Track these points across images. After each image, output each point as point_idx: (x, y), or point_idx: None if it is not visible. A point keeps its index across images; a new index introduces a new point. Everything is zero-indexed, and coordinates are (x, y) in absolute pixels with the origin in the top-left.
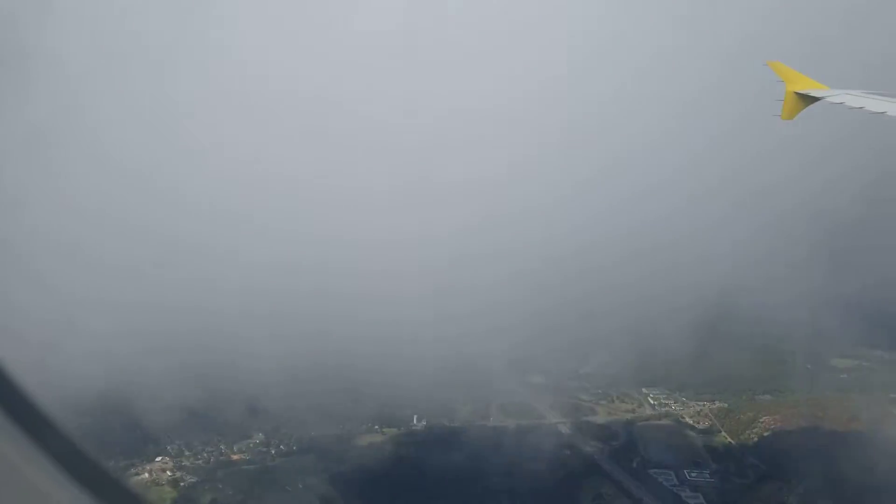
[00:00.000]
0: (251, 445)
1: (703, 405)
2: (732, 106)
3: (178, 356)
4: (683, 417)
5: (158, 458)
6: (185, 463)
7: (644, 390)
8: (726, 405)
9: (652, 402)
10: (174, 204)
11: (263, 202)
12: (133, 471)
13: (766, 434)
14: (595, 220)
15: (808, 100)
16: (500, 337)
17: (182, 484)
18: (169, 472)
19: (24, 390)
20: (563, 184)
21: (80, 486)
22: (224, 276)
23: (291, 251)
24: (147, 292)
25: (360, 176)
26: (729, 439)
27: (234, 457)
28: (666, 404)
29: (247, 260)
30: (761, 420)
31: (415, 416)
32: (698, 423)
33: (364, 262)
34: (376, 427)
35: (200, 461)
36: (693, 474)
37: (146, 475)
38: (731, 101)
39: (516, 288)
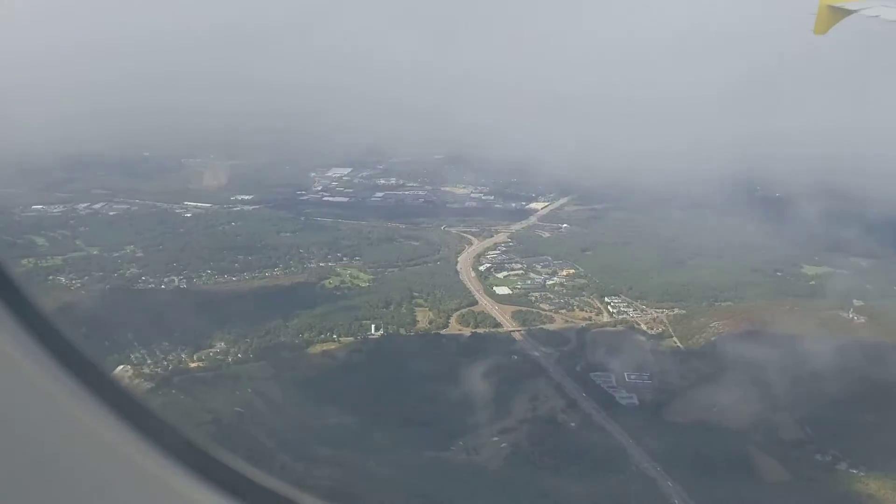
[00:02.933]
0: (210, 354)
1: (662, 312)
2: None
3: None
4: (638, 324)
5: (120, 367)
6: (145, 370)
7: (606, 299)
8: (684, 312)
9: (611, 310)
10: None
11: None
12: None
13: (713, 339)
14: None
15: (841, 12)
16: None
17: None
18: (127, 380)
19: (22, 283)
20: None
21: (75, 379)
22: None
23: None
24: None
25: None
26: (678, 344)
27: (193, 364)
28: (625, 312)
29: None
30: (711, 325)
31: (373, 326)
32: (652, 328)
33: None
34: (334, 336)
35: (159, 369)
36: (632, 377)
37: None
38: None
39: None
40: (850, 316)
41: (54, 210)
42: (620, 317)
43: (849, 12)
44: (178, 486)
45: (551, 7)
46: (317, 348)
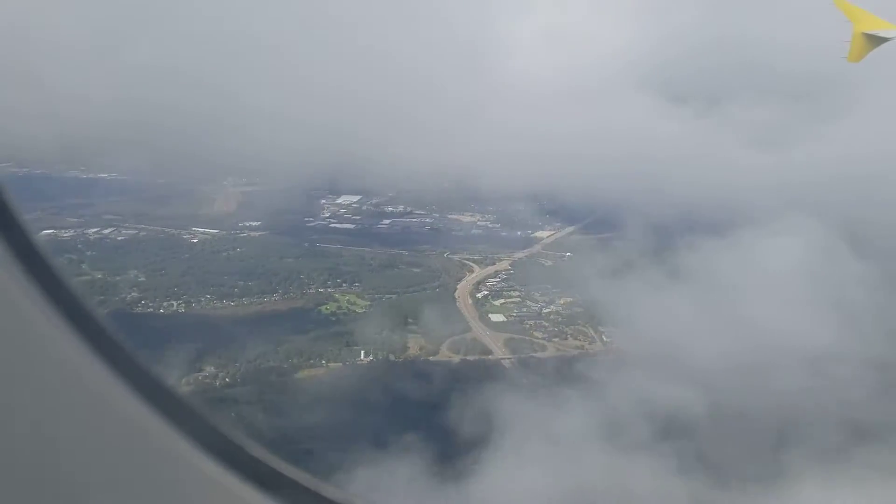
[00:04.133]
0: (199, 378)
1: None
2: None
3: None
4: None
5: None
6: None
7: (601, 328)
8: None
9: (605, 339)
10: None
11: None
12: None
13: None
14: None
15: (876, 40)
16: None
17: None
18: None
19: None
20: None
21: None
22: None
23: None
24: None
25: None
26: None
27: (181, 388)
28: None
29: None
30: None
31: (362, 352)
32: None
33: None
34: (323, 361)
35: None
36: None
37: None
38: None
39: None
40: None
41: (64, 235)
42: (614, 346)
43: (884, 39)
44: (202, 468)
45: None
46: (304, 373)
